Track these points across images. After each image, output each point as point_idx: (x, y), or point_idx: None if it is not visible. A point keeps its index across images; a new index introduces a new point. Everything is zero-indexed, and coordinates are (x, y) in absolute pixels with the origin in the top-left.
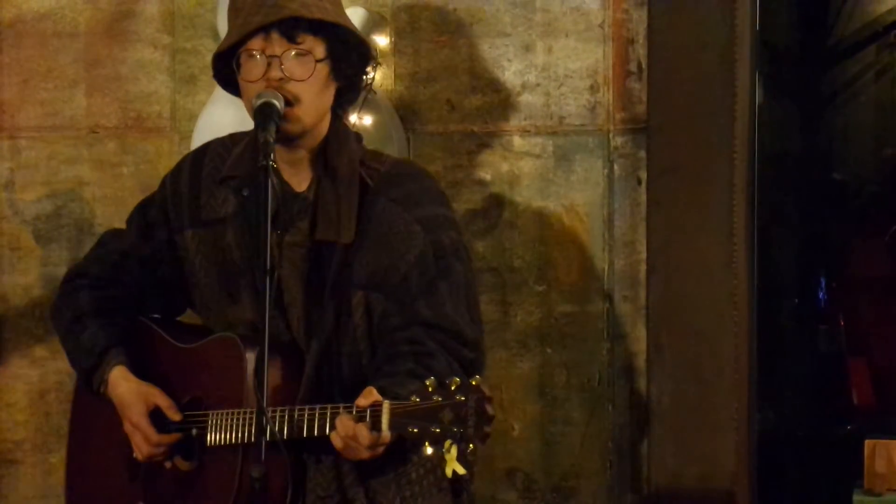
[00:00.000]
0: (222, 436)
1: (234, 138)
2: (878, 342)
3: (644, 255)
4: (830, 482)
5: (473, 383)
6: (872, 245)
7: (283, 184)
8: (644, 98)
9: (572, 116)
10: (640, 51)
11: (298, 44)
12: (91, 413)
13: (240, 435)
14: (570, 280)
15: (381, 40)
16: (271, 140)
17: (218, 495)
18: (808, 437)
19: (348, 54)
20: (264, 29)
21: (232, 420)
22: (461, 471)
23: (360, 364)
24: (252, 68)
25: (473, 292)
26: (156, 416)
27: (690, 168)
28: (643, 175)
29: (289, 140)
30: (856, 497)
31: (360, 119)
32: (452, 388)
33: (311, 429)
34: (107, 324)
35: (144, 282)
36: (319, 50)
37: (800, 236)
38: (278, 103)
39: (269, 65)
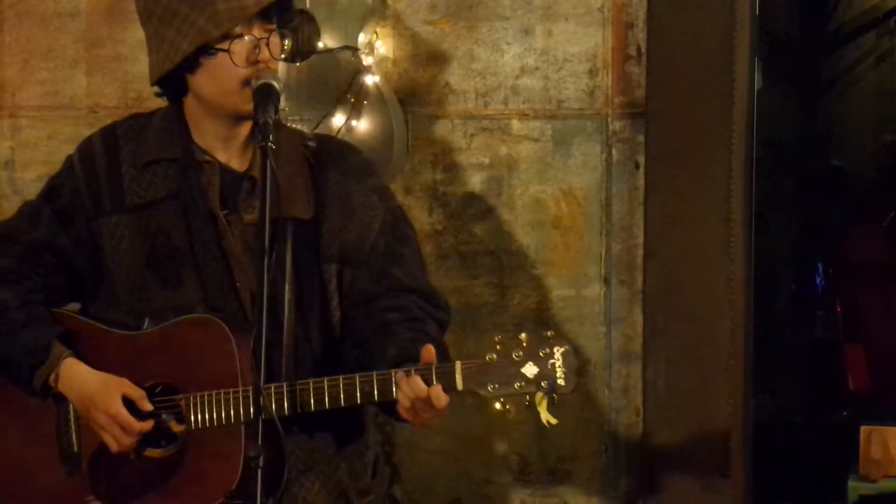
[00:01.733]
0: (212, 418)
1: (138, 120)
2: (875, 329)
3: (641, 240)
4: (826, 468)
5: (549, 335)
6: (870, 231)
7: (221, 165)
8: (643, 83)
9: (571, 100)
10: (640, 35)
11: (272, 23)
12: None
13: (241, 415)
14: (567, 264)
15: (381, 23)
16: (271, 121)
17: (217, 477)
18: (804, 423)
19: (297, 27)
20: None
21: (223, 401)
22: (554, 421)
23: (332, 336)
24: (239, 53)
25: (423, 257)
26: (125, 405)
27: (689, 153)
28: (641, 160)
29: (246, 118)
30: (851, 483)
31: (360, 101)
32: (525, 343)
33: (364, 396)
34: (38, 317)
35: (57, 273)
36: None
37: (797, 222)
38: (277, 84)
39: (256, 48)
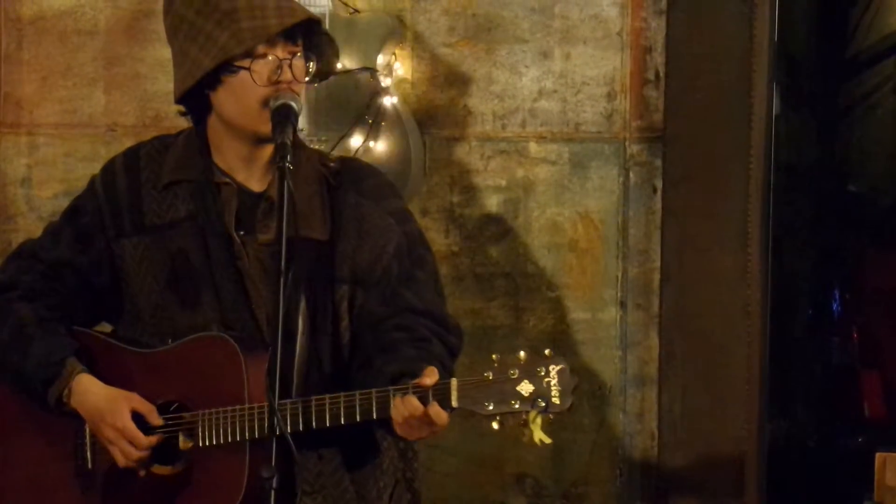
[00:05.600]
0: (219, 435)
1: (163, 142)
2: (892, 355)
3: (658, 264)
4: (840, 494)
5: (547, 354)
6: (887, 257)
7: (239, 186)
8: (661, 107)
9: (588, 124)
10: (658, 59)
11: (297, 45)
12: (10, 429)
13: (246, 433)
14: (583, 287)
15: (400, 45)
16: (289, 142)
17: (220, 495)
18: (819, 449)
19: (323, 51)
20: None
21: (229, 419)
22: (547, 440)
23: (342, 357)
24: (260, 72)
25: (440, 282)
26: (135, 420)
27: (706, 177)
28: (658, 183)
29: (266, 140)
30: None
31: (378, 123)
32: (523, 361)
33: (364, 413)
34: (54, 333)
35: (78, 292)
36: (301, 49)
37: (814, 247)
38: (296, 105)
39: (278, 68)
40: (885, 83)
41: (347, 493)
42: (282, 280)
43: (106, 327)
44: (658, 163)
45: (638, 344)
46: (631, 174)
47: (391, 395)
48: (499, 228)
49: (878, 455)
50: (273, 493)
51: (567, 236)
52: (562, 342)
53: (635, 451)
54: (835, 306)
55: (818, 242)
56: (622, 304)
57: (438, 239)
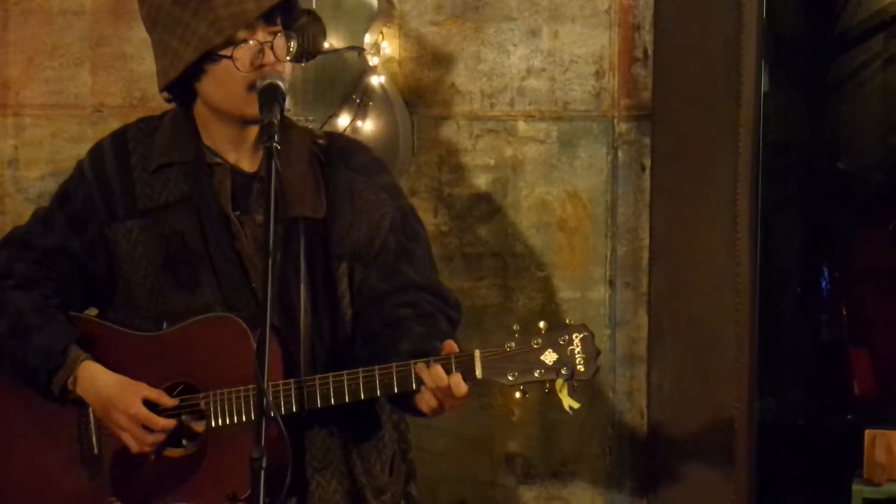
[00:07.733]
0: (231, 415)
1: (150, 124)
2: (881, 332)
3: (647, 242)
4: (830, 471)
5: (568, 323)
6: (876, 235)
7: (232, 167)
8: (649, 85)
9: (577, 102)
10: (647, 37)
11: (277, 25)
12: (8, 417)
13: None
14: (573, 266)
15: (387, 23)
16: (276, 122)
17: (232, 476)
18: (809, 427)
19: (304, 27)
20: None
21: (241, 398)
22: (576, 405)
23: (345, 334)
24: (242, 59)
25: (433, 257)
26: (146, 406)
27: (695, 155)
28: (647, 162)
29: (254, 122)
30: (855, 486)
31: (365, 102)
32: (544, 331)
33: (384, 388)
34: (54, 321)
35: (73, 277)
36: (282, 28)
37: (804, 225)
38: (283, 85)
39: (260, 51)
40: (874, 60)
41: (355, 468)
42: (269, 260)
43: (92, 312)
44: (647, 141)
45: (627, 322)
46: (619, 153)
47: (412, 369)
48: (487, 208)
49: (867, 432)
50: (263, 472)
51: (556, 215)
52: (551, 321)
53: (625, 429)
54: (824, 284)
55: (807, 220)
56: (611, 283)
57: (427, 219)
